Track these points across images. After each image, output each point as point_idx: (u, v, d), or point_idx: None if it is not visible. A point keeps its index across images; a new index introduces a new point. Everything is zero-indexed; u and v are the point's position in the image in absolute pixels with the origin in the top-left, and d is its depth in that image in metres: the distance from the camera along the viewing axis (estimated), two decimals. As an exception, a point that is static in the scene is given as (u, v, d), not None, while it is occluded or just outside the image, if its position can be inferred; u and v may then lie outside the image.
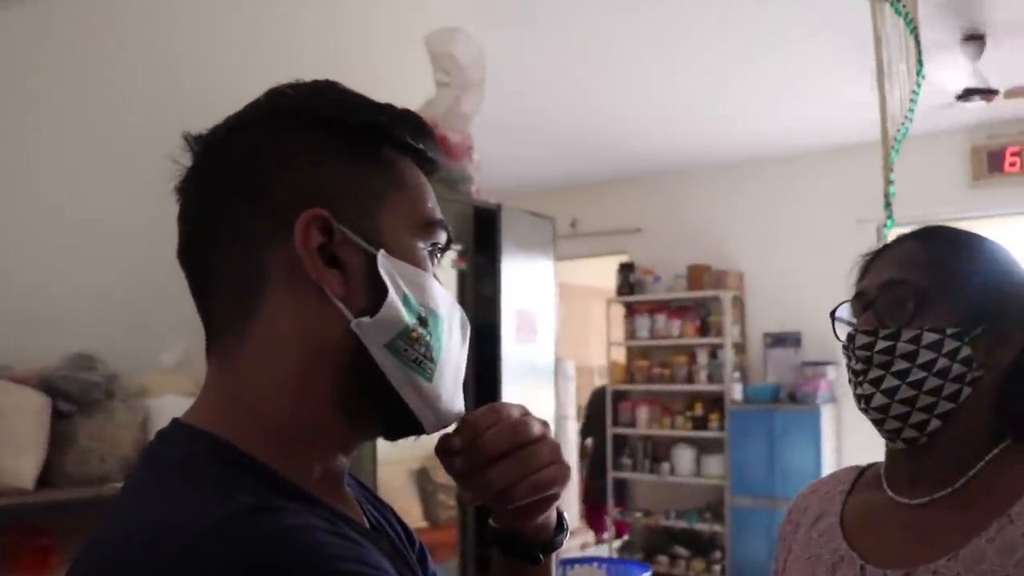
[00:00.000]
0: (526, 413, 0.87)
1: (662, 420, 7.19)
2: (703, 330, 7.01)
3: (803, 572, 1.21)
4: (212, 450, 0.71)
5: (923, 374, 1.09)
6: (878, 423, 1.14)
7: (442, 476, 3.26)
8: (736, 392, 6.69)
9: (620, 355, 7.69)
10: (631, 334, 7.42)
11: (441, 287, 0.82)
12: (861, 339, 1.14)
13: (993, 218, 6.11)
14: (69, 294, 2.72)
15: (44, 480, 2.38)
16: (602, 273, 8.09)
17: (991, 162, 6.01)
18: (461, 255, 3.01)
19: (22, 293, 2.62)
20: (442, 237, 0.83)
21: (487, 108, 3.22)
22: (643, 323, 7.28)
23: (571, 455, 8.87)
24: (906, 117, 2.94)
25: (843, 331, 1.21)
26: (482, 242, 3.08)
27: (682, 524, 6.99)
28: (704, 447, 6.95)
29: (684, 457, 7.00)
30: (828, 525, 1.22)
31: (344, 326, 0.74)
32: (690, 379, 7.03)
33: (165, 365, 2.78)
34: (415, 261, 0.78)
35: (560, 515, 0.92)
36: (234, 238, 0.75)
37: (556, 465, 0.84)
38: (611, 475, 7.50)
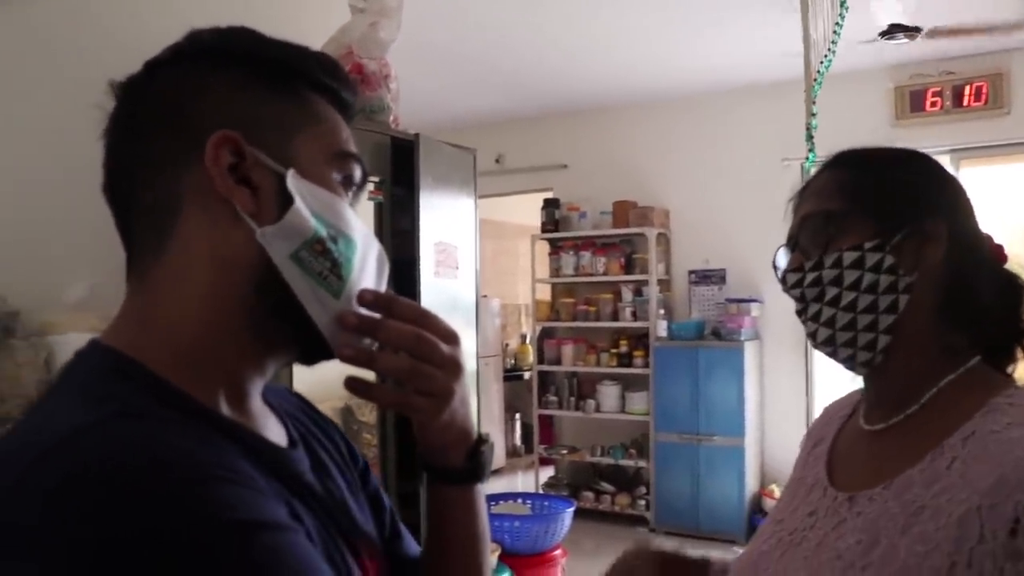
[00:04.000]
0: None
1: (587, 357, 7.21)
2: (628, 267, 7.01)
3: (787, 492, 1.24)
4: (115, 366, 0.74)
5: (853, 294, 1.07)
6: (832, 356, 1.13)
7: (367, 415, 3.21)
8: (661, 329, 6.73)
9: (545, 292, 7.68)
10: (556, 271, 7.39)
11: (356, 217, 0.84)
12: (791, 278, 1.13)
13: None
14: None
15: (-60, 422, 2.28)
16: (529, 211, 8.03)
17: (913, 102, 6.06)
18: (378, 187, 2.91)
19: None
20: (356, 170, 0.86)
21: (410, 38, 3.10)
22: (568, 260, 7.26)
23: (493, 393, 8.91)
24: (829, 50, 2.91)
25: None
26: (400, 174, 2.97)
27: (607, 460, 7.06)
28: (629, 384, 7.00)
29: (609, 394, 7.05)
30: (822, 450, 1.23)
31: (253, 242, 0.77)
32: (615, 316, 7.04)
33: (69, 302, 2.67)
34: (328, 187, 0.82)
35: (479, 448, 0.94)
36: (153, 166, 0.78)
37: (446, 372, 0.85)
38: (537, 412, 7.54)
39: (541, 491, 7.18)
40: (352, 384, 0.84)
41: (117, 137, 0.81)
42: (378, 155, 2.93)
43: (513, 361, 9.94)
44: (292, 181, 0.78)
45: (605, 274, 7.10)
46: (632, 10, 5.00)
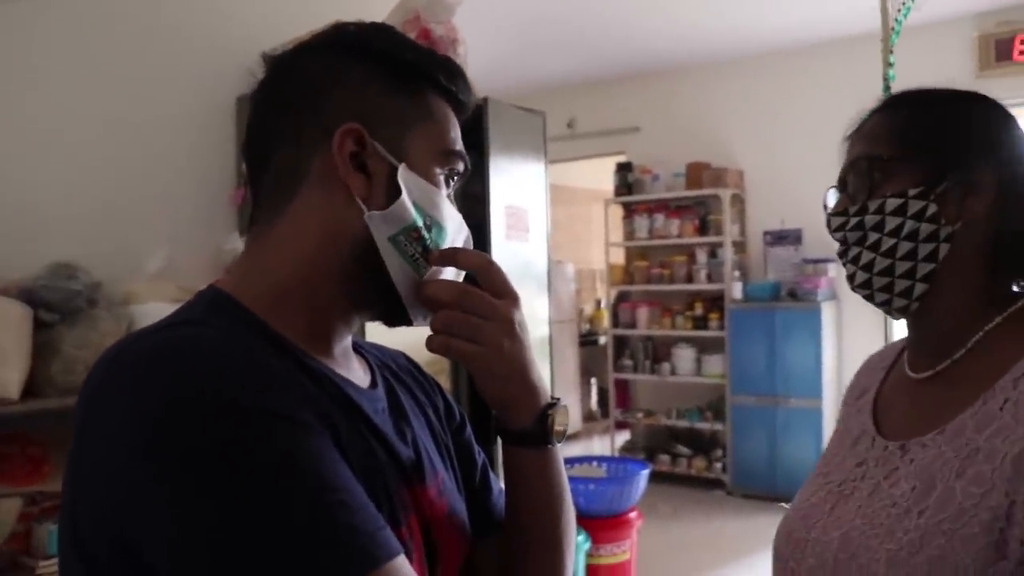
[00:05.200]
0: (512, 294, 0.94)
1: (662, 320, 7.18)
2: (702, 229, 6.94)
3: (834, 442, 1.25)
4: (214, 300, 0.88)
5: (893, 241, 1.08)
6: (868, 299, 1.13)
7: (441, 376, 3.25)
8: (736, 291, 6.66)
9: (619, 256, 7.64)
10: (630, 235, 7.36)
11: (452, 208, 0.95)
12: (835, 221, 1.14)
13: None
14: (50, 203, 2.70)
15: (31, 391, 2.37)
16: (602, 175, 7.99)
17: (999, 51, 5.84)
18: (448, 152, 2.92)
19: (2, 203, 2.59)
20: (459, 166, 0.96)
21: (477, 1, 3.09)
22: (642, 223, 7.21)
23: (568, 358, 8.92)
24: (909, -3, 2.82)
25: None
26: (469, 139, 2.98)
27: (683, 423, 7.04)
28: (704, 346, 6.96)
29: (685, 357, 7.02)
30: (866, 401, 1.23)
31: (360, 221, 0.88)
32: (690, 279, 6.99)
33: (148, 272, 2.75)
34: (431, 180, 0.92)
35: (547, 411, 0.97)
36: (287, 141, 0.90)
37: (493, 324, 0.91)
38: (612, 376, 7.54)
39: (617, 455, 7.19)
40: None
41: (259, 106, 0.93)
42: (447, 120, 2.94)
43: (588, 326, 9.94)
44: (403, 174, 0.89)
45: (679, 237, 7.05)
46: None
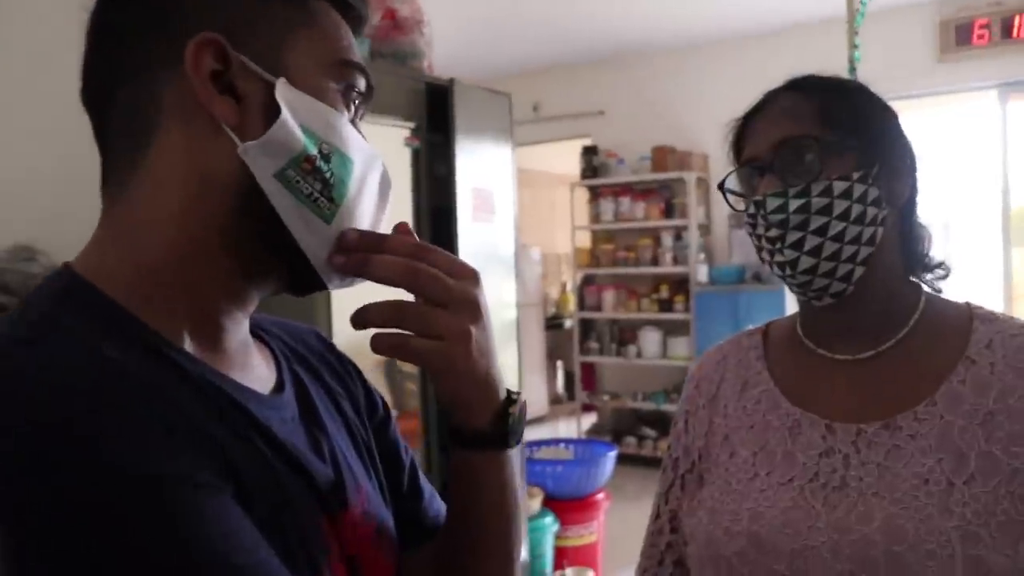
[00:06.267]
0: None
1: (628, 303, 7.21)
2: (668, 212, 6.97)
3: (753, 441, 1.15)
4: (67, 289, 0.69)
5: (842, 224, 1.07)
6: (804, 286, 1.10)
7: (408, 365, 3.24)
8: (701, 274, 6.70)
9: (585, 240, 7.66)
10: (595, 218, 7.37)
11: (358, 134, 0.76)
12: (772, 202, 1.08)
13: (960, 93, 6.06)
14: (10, 184, 2.64)
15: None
16: (567, 159, 7.99)
17: (959, 35, 5.91)
18: (414, 133, 2.91)
19: (-45, 184, 2.54)
20: (360, 81, 0.77)
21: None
22: (607, 207, 7.22)
23: (534, 342, 8.92)
24: (872, -20, 2.83)
25: (738, 203, 1.17)
26: (435, 121, 2.97)
27: (649, 406, 7.08)
28: (670, 329, 6.99)
29: (650, 339, 7.05)
30: (762, 392, 1.18)
31: (234, 158, 0.69)
32: (655, 262, 7.02)
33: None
34: (324, 99, 0.74)
35: (507, 409, 0.81)
36: (131, 71, 0.71)
37: (454, 310, 0.74)
38: (578, 359, 7.56)
39: (584, 438, 7.22)
40: (354, 318, 0.75)
41: (97, 33, 0.73)
42: (413, 101, 2.92)
43: (555, 309, 9.96)
44: (282, 90, 0.70)
45: (645, 220, 7.07)
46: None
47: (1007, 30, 5.73)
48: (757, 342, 1.25)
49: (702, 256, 6.83)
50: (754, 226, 1.11)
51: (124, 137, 0.72)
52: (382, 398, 0.96)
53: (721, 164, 1.22)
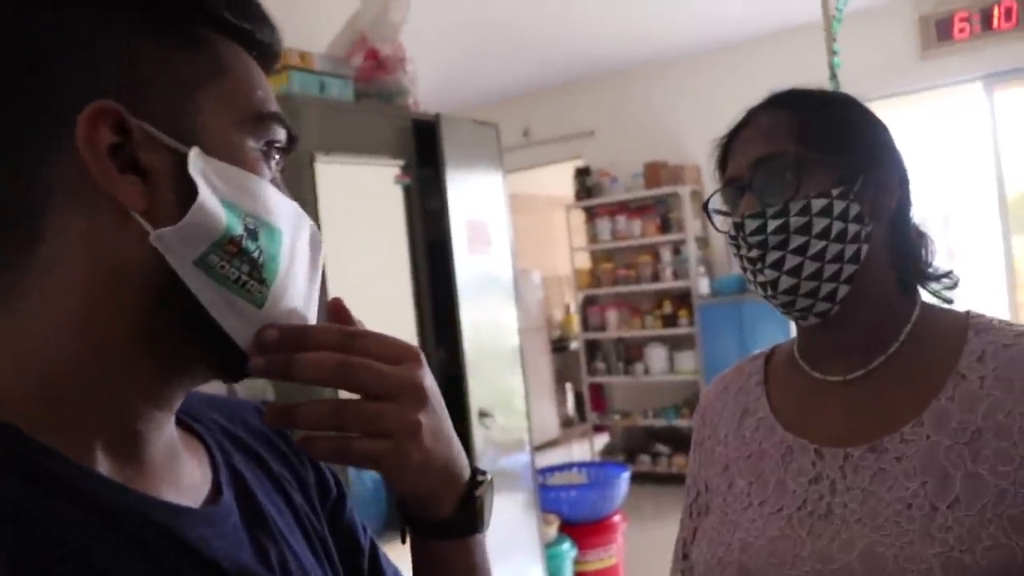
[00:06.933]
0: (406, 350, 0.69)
1: (632, 321, 7.19)
2: (665, 227, 6.97)
3: (750, 471, 1.14)
4: None
5: (822, 243, 1.05)
6: (787, 306, 1.09)
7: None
8: (703, 286, 6.70)
9: (584, 261, 7.66)
10: (593, 238, 7.38)
11: (282, 195, 0.67)
12: (751, 224, 1.07)
13: (944, 88, 6.07)
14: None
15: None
16: (561, 181, 8.01)
17: (940, 30, 5.92)
18: (404, 170, 2.92)
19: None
20: (279, 133, 0.67)
21: (425, 16, 3.09)
22: (604, 226, 7.23)
23: (541, 366, 8.91)
24: (847, -16, 2.84)
25: (723, 224, 1.16)
26: (424, 155, 2.99)
27: (661, 422, 7.04)
28: (676, 344, 6.98)
29: (657, 356, 7.03)
30: (759, 420, 1.17)
31: (146, 247, 0.59)
32: (656, 278, 7.02)
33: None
34: (243, 163, 0.63)
35: (473, 492, 0.74)
36: (6, 148, 0.59)
37: (402, 401, 0.66)
38: (586, 380, 7.54)
39: (597, 459, 7.19)
40: (271, 415, 0.67)
41: None
42: (401, 138, 2.94)
43: (559, 332, 9.94)
44: (195, 162, 0.60)
45: (642, 236, 7.07)
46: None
47: (987, 21, 5.74)
48: (759, 367, 1.24)
49: (702, 269, 6.82)
50: (737, 247, 1.11)
51: (7, 229, 0.60)
52: (335, 475, 0.86)
53: (713, 175, 1.21)
